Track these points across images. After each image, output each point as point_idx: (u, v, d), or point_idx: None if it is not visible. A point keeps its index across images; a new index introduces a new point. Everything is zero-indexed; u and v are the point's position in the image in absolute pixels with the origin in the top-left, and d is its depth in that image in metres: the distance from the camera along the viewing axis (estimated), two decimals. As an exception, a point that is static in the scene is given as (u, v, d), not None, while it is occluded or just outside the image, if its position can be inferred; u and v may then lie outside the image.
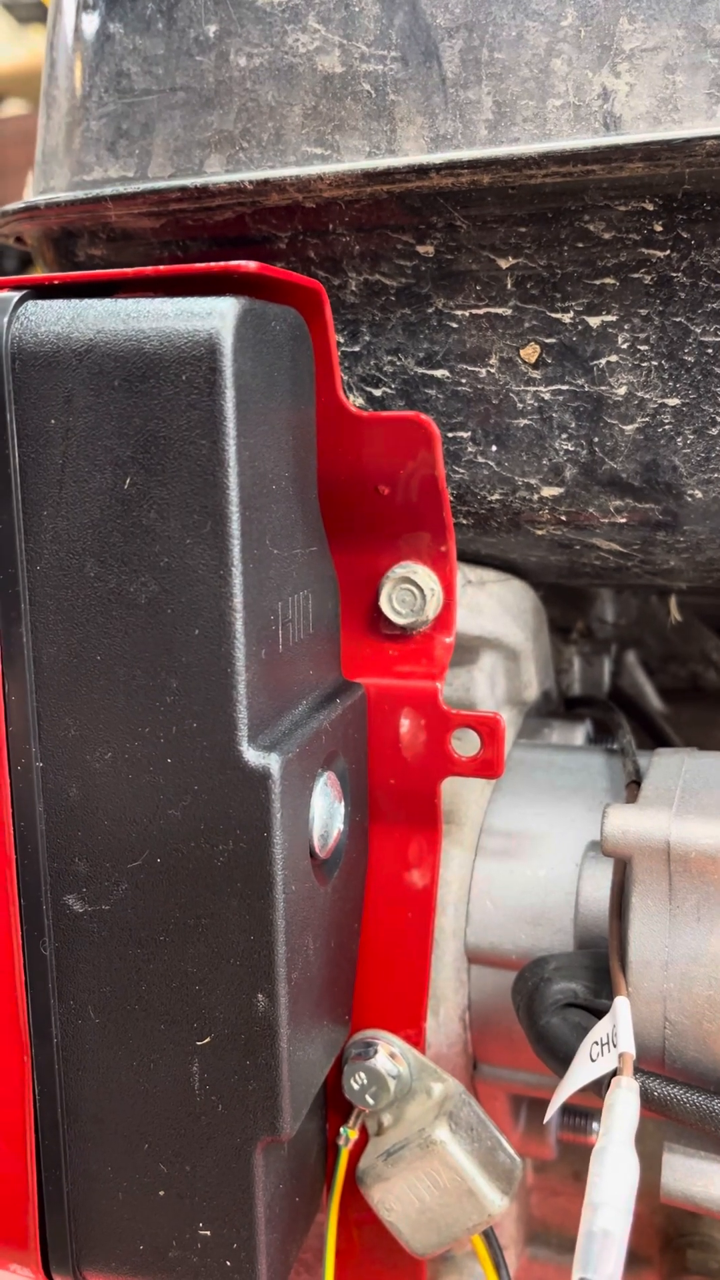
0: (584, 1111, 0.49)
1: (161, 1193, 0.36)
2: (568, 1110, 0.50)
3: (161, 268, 0.32)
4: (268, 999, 0.34)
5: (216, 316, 0.31)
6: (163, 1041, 0.35)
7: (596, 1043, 0.35)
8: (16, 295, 0.33)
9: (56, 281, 0.33)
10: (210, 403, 0.31)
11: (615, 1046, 0.34)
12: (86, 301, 0.32)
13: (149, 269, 0.32)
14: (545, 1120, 0.35)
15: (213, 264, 0.31)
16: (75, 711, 0.34)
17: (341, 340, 0.41)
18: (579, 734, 0.51)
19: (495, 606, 0.46)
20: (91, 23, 0.42)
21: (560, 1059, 0.37)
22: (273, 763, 0.33)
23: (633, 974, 0.37)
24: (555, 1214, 0.53)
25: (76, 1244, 0.37)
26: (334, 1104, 0.43)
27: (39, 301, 0.33)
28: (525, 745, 0.49)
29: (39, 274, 0.36)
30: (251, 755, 0.33)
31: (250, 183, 0.38)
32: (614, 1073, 0.34)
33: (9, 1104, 0.37)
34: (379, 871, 0.43)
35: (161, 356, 0.31)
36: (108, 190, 0.40)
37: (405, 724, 0.42)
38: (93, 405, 0.32)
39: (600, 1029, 0.36)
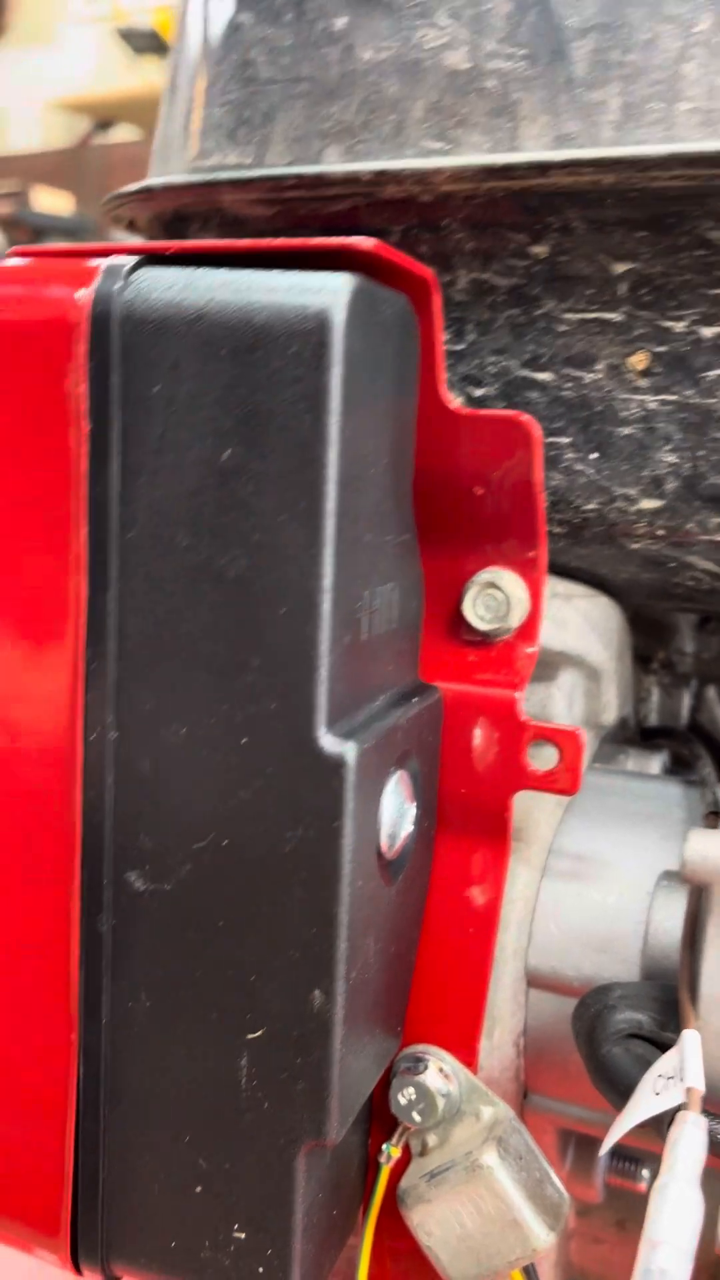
0: (634, 1156, 0.47)
1: (199, 1189, 0.35)
2: (617, 1153, 0.48)
3: (278, 241, 0.31)
4: (325, 996, 0.33)
5: (330, 292, 0.31)
6: (213, 1031, 0.34)
7: (661, 1076, 0.34)
8: (131, 261, 0.33)
9: (172, 250, 0.33)
10: (317, 378, 0.30)
11: (682, 1081, 0.32)
12: (200, 271, 0.32)
13: (265, 241, 0.31)
14: (600, 1154, 0.33)
15: (330, 239, 0.31)
16: (154, 684, 0.33)
17: (446, 338, 0.41)
18: (655, 764, 0.50)
19: (581, 622, 0.45)
20: (221, 12, 0.42)
21: (620, 1091, 0.36)
22: (349, 751, 0.32)
23: (703, 1007, 0.35)
24: (595, 1263, 0.50)
25: (107, 1235, 0.36)
26: (378, 1119, 0.42)
27: (153, 269, 0.33)
28: (600, 770, 0.48)
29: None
30: (328, 742, 0.32)
31: (368, 173, 0.38)
32: (679, 1108, 0.32)
33: (52, 1083, 0.36)
34: (442, 882, 0.41)
35: (271, 328, 0.31)
36: (224, 175, 0.40)
37: (480, 733, 0.41)
38: (198, 374, 0.31)
39: (665, 1062, 0.34)
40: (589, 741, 0.49)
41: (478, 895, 0.41)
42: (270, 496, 0.31)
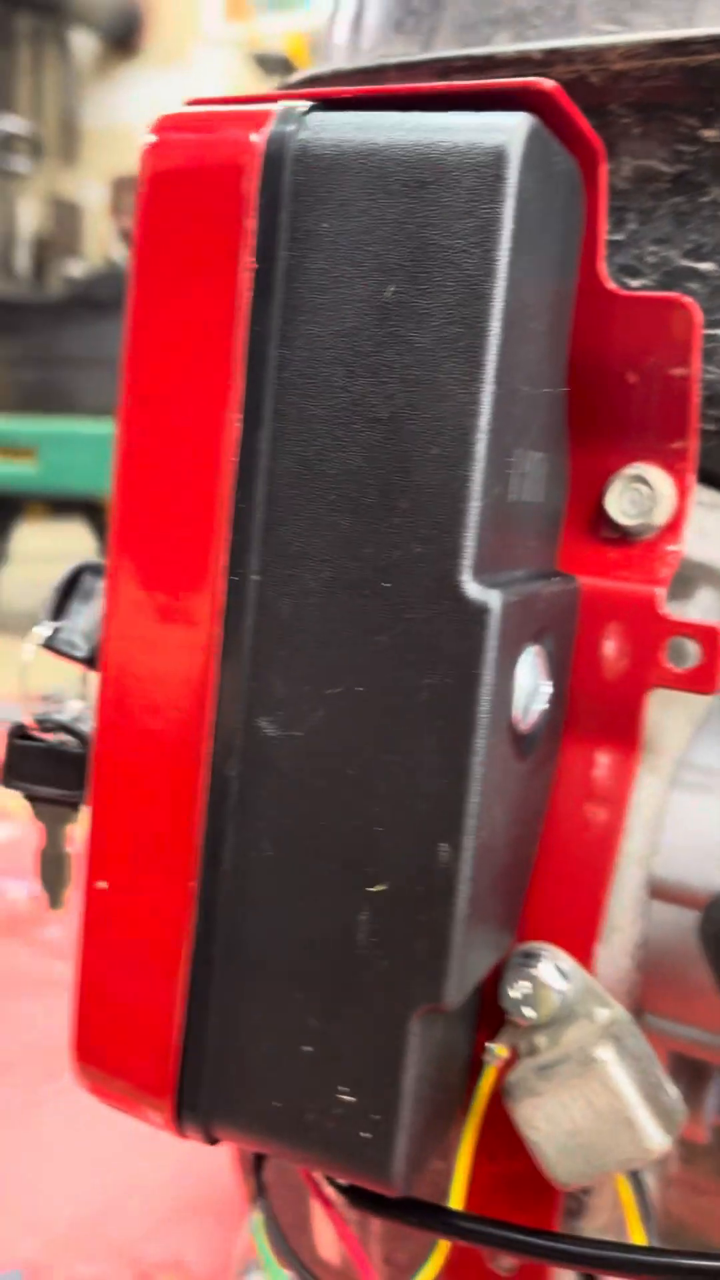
0: (747, 1098, 0.45)
1: (308, 1048, 0.34)
2: (728, 1095, 0.46)
3: (455, 83, 0.31)
4: (452, 850, 0.32)
5: (507, 129, 0.30)
6: (335, 884, 0.33)
7: None
8: (306, 105, 0.33)
9: (347, 95, 0.33)
10: (490, 211, 0.30)
11: None
12: (375, 113, 0.32)
13: (442, 85, 0.31)
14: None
15: (509, 80, 0.31)
16: (300, 527, 0.33)
17: (607, 227, 0.40)
18: (790, 698, 0.48)
19: (724, 534, 0.44)
20: None
21: (749, 992, 0.34)
22: (493, 599, 0.31)
23: None
24: (696, 1215, 0.48)
25: (211, 1095, 0.36)
26: (486, 1023, 0.41)
27: (328, 113, 0.33)
28: (732, 697, 0.46)
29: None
30: (472, 588, 0.31)
31: (539, 52, 0.38)
32: None
33: (167, 936, 0.36)
34: (568, 779, 0.40)
35: (445, 163, 0.31)
36: (391, 60, 0.41)
37: (617, 628, 0.40)
38: (368, 209, 0.31)
39: None
40: (722, 668, 0.47)
41: (602, 797, 0.40)
42: (431, 333, 0.31)
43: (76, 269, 4.61)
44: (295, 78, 0.44)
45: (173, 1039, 0.36)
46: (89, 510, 3.69)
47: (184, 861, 0.35)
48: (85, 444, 3.33)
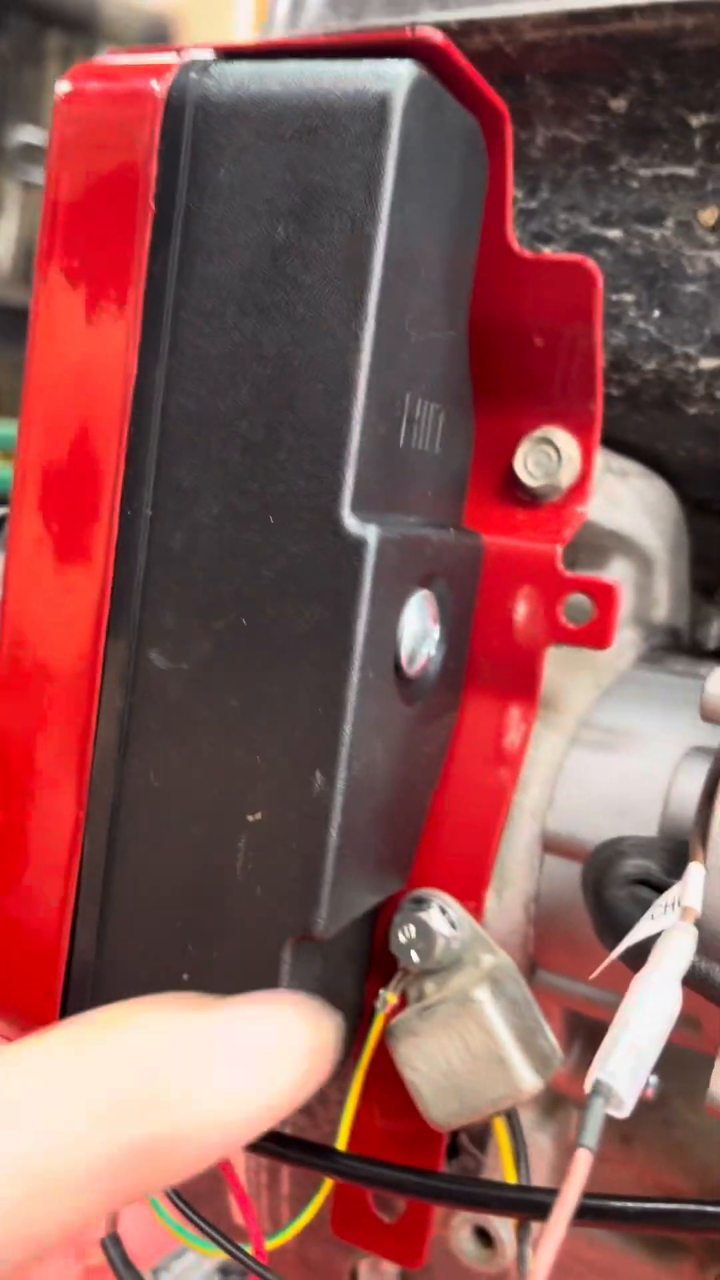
0: (644, 1063, 0.46)
1: (185, 976, 0.35)
2: (627, 1059, 0.47)
3: (349, 35, 0.32)
4: (326, 780, 0.33)
5: (392, 77, 0.31)
6: (216, 812, 0.34)
7: (662, 905, 0.33)
8: (209, 55, 0.34)
9: (249, 49, 0.34)
10: (373, 152, 0.31)
11: (680, 906, 0.31)
12: (274, 63, 0.33)
13: (337, 37, 0.33)
14: (590, 978, 0.33)
15: (398, 32, 0.32)
16: (192, 462, 0.34)
17: (520, 196, 0.41)
18: (704, 670, 0.49)
19: (635, 502, 0.45)
20: None
21: (619, 935, 0.35)
22: (370, 534, 0.32)
23: (712, 848, 0.34)
24: (595, 1182, 0.48)
25: None
26: (378, 970, 0.41)
27: (229, 63, 0.34)
28: (645, 667, 0.47)
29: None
30: (351, 523, 0.32)
31: (456, 23, 0.39)
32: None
33: (54, 863, 0.37)
34: (466, 733, 0.41)
35: (333, 109, 0.32)
36: (321, 30, 0.42)
37: (518, 586, 0.41)
38: (262, 156, 0.33)
39: (668, 895, 0.33)
40: (633, 640, 0.48)
41: (500, 750, 0.41)
42: (318, 272, 0.32)
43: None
44: (224, 45, 0.45)
45: (58, 971, 0.37)
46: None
47: (72, 792, 0.36)
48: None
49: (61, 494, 0.36)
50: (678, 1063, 0.38)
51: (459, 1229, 0.46)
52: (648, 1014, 0.27)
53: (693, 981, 0.30)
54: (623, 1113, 0.26)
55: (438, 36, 0.32)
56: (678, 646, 0.52)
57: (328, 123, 0.32)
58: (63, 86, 0.36)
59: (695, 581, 0.55)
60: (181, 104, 0.34)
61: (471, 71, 0.34)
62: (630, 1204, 0.33)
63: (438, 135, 0.33)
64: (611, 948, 0.36)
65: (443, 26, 0.40)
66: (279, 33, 0.47)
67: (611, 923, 0.35)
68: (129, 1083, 0.27)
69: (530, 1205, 0.35)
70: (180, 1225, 0.45)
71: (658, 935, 0.31)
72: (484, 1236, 0.46)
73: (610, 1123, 0.49)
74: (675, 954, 0.29)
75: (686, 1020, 0.34)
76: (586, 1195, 0.31)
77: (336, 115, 0.32)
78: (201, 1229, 0.43)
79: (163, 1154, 0.27)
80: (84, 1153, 0.26)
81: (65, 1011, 0.37)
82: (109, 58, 0.36)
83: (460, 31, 0.39)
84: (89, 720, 0.36)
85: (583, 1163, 0.24)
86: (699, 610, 0.57)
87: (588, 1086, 0.26)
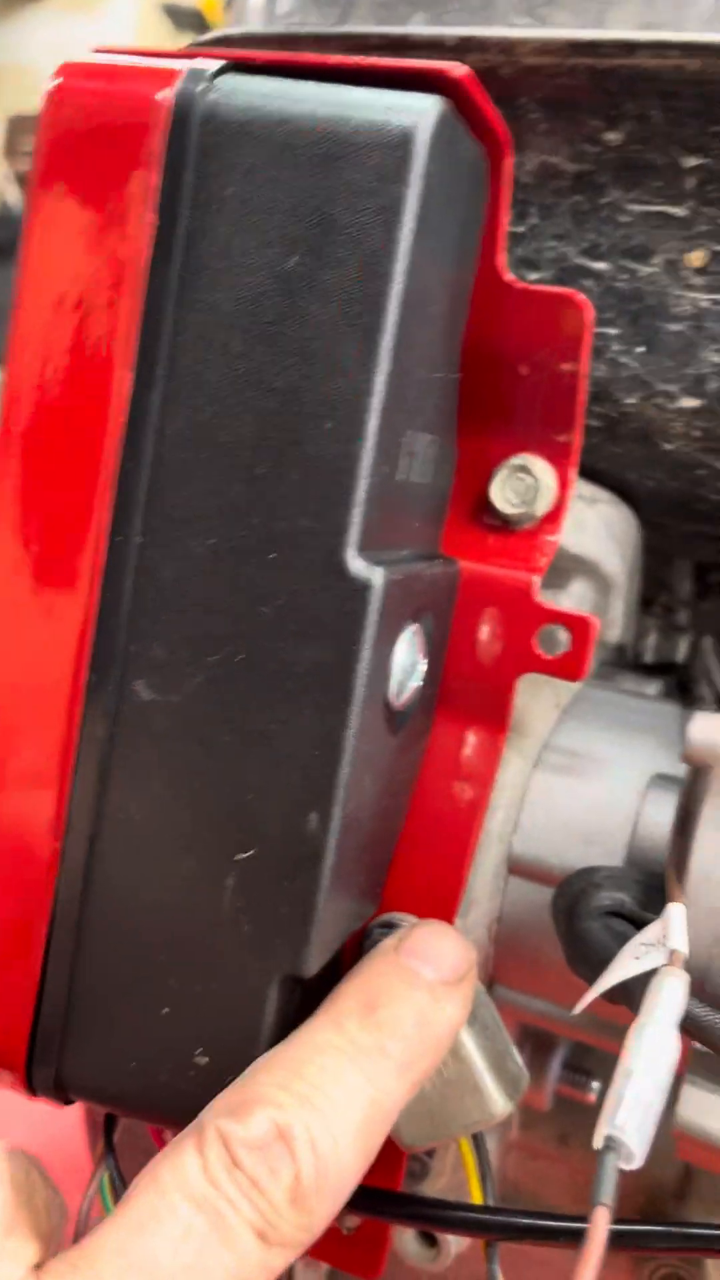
0: (586, 1069, 0.47)
1: (166, 1010, 0.35)
2: (569, 1065, 0.48)
3: (370, 59, 0.31)
4: (320, 819, 0.33)
5: (418, 112, 0.31)
6: (204, 849, 0.34)
7: (643, 944, 0.34)
8: (217, 64, 0.33)
9: (259, 60, 0.33)
10: (395, 192, 0.30)
11: (665, 945, 0.33)
12: (288, 82, 0.32)
13: (355, 59, 0.31)
14: (574, 1011, 0.34)
15: (423, 62, 0.31)
16: (188, 492, 0.33)
17: (509, 218, 0.41)
18: (651, 689, 0.50)
19: (601, 528, 0.46)
20: None
21: (594, 965, 0.36)
22: (376, 576, 0.32)
23: (691, 886, 0.35)
24: (531, 1179, 0.50)
25: (65, 1054, 0.36)
26: (343, 989, 0.42)
27: (238, 76, 0.33)
28: (597, 685, 0.48)
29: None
30: (356, 565, 0.32)
31: (454, 38, 0.38)
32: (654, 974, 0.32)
33: (27, 892, 0.36)
34: (437, 757, 0.41)
35: (354, 140, 0.31)
36: (306, 29, 0.40)
37: (492, 613, 0.41)
38: (275, 179, 0.31)
39: (648, 933, 0.34)
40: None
41: (469, 775, 0.41)
42: (331, 308, 0.31)
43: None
44: (206, 37, 0.43)
45: (27, 996, 0.36)
46: None
47: (50, 820, 0.35)
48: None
49: (46, 514, 0.34)
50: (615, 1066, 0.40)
51: (404, 1231, 0.47)
52: (649, 1064, 0.28)
53: (684, 1027, 0.31)
54: (633, 1165, 0.27)
55: (462, 71, 0.31)
56: (622, 661, 0.54)
57: (347, 152, 0.31)
58: (52, 83, 0.34)
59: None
60: (187, 115, 0.32)
61: (488, 104, 0.33)
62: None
63: (453, 169, 0.33)
64: (584, 976, 0.37)
65: (437, 40, 0.39)
66: (255, 18, 0.46)
67: (585, 953, 0.37)
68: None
69: (502, 1227, 0.36)
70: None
71: (641, 975, 0.32)
72: (428, 1238, 0.48)
73: (548, 1122, 0.51)
74: (669, 1002, 0.30)
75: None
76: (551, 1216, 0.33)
77: (357, 146, 0.31)
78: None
79: None
80: None
81: (35, 1039, 0.36)
82: (106, 55, 0.34)
83: (457, 47, 0.39)
84: (67, 749, 0.35)
85: (601, 1221, 0.25)
86: (640, 623, 0.58)
87: (598, 1143, 0.27)
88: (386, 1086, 0.32)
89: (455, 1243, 0.47)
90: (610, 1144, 0.27)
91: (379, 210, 0.30)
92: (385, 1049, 0.32)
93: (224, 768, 0.33)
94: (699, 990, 0.36)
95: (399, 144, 0.30)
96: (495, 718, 0.41)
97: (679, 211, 0.39)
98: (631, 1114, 0.27)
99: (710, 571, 0.60)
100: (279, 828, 0.33)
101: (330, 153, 0.31)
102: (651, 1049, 0.28)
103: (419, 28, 0.40)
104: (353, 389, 0.31)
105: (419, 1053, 0.33)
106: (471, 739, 0.41)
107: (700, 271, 0.39)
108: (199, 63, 0.33)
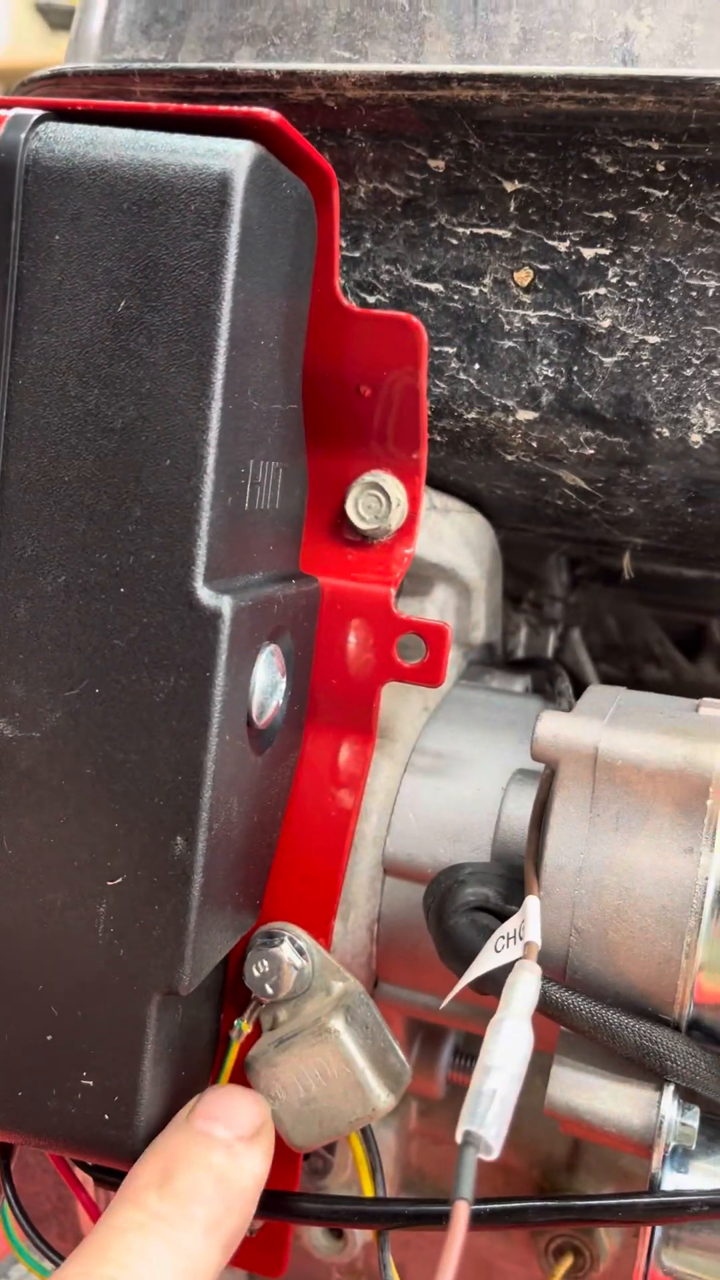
0: (476, 1055, 0.49)
1: (49, 1037, 0.35)
2: (460, 1052, 0.50)
3: (185, 106, 0.32)
4: (186, 843, 0.34)
5: (232, 156, 0.32)
6: (76, 879, 0.35)
7: (503, 936, 0.36)
8: (37, 113, 0.33)
9: (79, 107, 0.33)
10: (215, 235, 0.31)
11: (521, 939, 0.34)
12: (107, 129, 0.33)
13: (173, 106, 0.32)
14: (440, 1006, 0.35)
15: (236, 108, 0.32)
16: (35, 532, 0.34)
17: (344, 245, 0.42)
18: (518, 685, 0.52)
19: (456, 537, 0.47)
20: None
21: (463, 959, 0.37)
22: (225, 605, 0.33)
23: (546, 877, 0.37)
24: (434, 1164, 0.52)
25: None
26: (232, 998, 0.43)
27: (59, 124, 0.33)
28: (466, 685, 0.50)
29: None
30: (205, 595, 0.33)
31: (277, 73, 0.39)
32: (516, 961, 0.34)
33: None
34: (309, 768, 0.43)
35: (174, 185, 0.32)
36: (136, 65, 0.41)
37: (354, 626, 0.42)
38: (99, 225, 0.32)
39: (508, 925, 0.36)
40: (455, 659, 0.51)
41: (341, 783, 0.43)
42: (162, 348, 0.32)
43: None
44: (41, 73, 0.44)
45: None
46: None
47: None
48: None
49: None
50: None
51: (311, 1226, 0.49)
52: (505, 1059, 0.30)
53: (542, 1008, 0.33)
54: (492, 1156, 0.28)
55: (273, 116, 0.33)
56: (492, 659, 0.56)
57: (168, 198, 0.32)
58: None
59: (504, 592, 0.58)
60: (11, 163, 0.33)
61: (304, 143, 0.34)
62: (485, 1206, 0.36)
63: (274, 207, 0.34)
64: (455, 970, 0.38)
65: (262, 75, 0.40)
66: (92, 49, 0.46)
67: (454, 948, 0.38)
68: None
69: (389, 1216, 0.38)
70: (19, 1241, 0.46)
71: (504, 966, 0.34)
72: (334, 1231, 0.49)
73: (445, 1108, 0.53)
74: (523, 996, 0.31)
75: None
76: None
77: (176, 192, 0.32)
78: (41, 1250, 0.44)
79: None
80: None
81: None
82: None
83: (281, 82, 0.40)
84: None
85: (461, 1215, 0.27)
86: (509, 620, 0.60)
87: (458, 1138, 0.28)
88: (195, 1250, 0.31)
89: (360, 1234, 0.49)
90: (469, 1139, 0.28)
91: (201, 253, 0.32)
92: (189, 1214, 0.32)
93: (89, 799, 0.34)
94: (561, 977, 0.38)
95: (216, 189, 0.31)
96: (363, 726, 0.43)
97: (504, 233, 0.40)
98: (490, 1109, 0.29)
99: (580, 564, 0.63)
100: (147, 854, 0.34)
101: (152, 199, 0.32)
102: (507, 1044, 0.30)
103: (245, 63, 0.41)
104: (188, 426, 0.32)
105: (224, 1211, 0.33)
106: (342, 749, 0.43)
107: (528, 289, 0.41)
108: (19, 112, 0.33)
